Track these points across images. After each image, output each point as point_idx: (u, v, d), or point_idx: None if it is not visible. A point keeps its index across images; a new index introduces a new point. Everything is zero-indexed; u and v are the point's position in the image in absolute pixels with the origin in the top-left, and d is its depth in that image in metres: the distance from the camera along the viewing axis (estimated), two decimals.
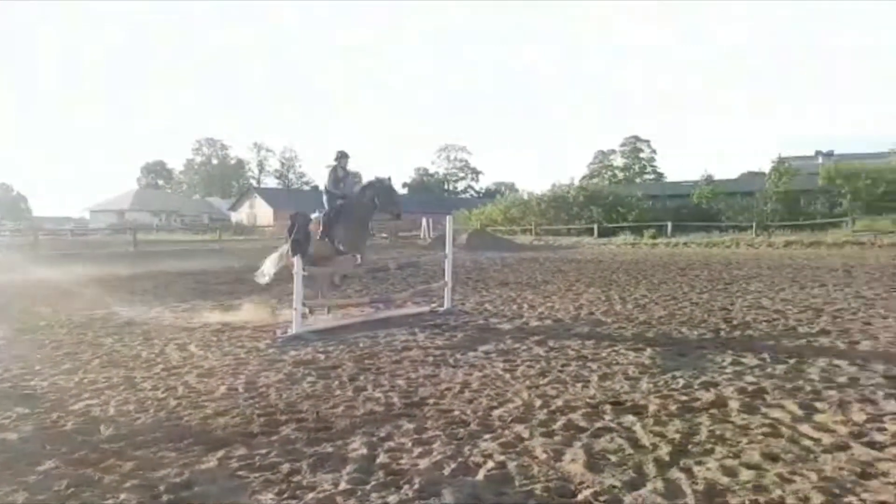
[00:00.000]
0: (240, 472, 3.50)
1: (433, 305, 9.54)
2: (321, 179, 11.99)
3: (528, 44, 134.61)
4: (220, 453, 3.76)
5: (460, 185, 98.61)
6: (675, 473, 3.38)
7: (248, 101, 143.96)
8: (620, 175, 77.16)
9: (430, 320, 8.51)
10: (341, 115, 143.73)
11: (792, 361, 5.88)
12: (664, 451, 3.69)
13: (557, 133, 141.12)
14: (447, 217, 9.88)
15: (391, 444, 3.91)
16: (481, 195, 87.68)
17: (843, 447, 3.73)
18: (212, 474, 3.47)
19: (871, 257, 19.40)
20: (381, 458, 3.67)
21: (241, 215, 68.33)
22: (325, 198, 9.04)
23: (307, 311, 8.26)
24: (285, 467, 3.54)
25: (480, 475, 3.40)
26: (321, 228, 8.76)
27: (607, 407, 4.57)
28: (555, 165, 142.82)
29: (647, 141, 79.62)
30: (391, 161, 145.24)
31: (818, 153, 55.07)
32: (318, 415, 4.47)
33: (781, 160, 39.37)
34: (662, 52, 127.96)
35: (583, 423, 4.21)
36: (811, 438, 3.88)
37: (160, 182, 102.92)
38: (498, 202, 46.39)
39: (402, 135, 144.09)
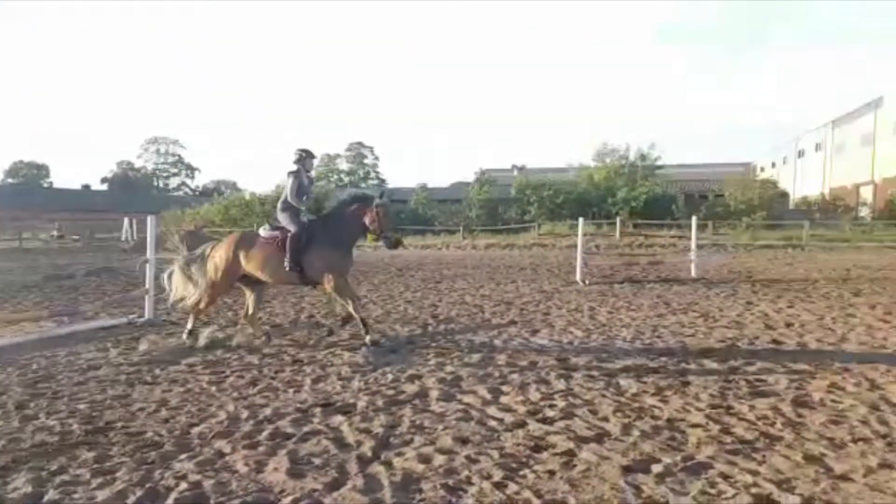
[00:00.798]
0: None
1: (132, 316, 8.57)
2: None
3: (252, 40, 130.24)
4: None
5: (173, 183, 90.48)
6: (375, 468, 3.48)
7: None
8: (346, 179, 78.90)
9: (128, 333, 7.62)
10: (25, 95, 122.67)
11: (485, 350, 6.53)
12: (367, 446, 3.79)
13: (283, 132, 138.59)
14: (149, 217, 8.97)
15: (65, 477, 3.37)
16: (198, 194, 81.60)
17: (522, 424, 4.21)
18: None
19: (552, 257, 22.64)
20: (50, 495, 3.15)
21: None
22: (284, 215, 6.92)
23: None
24: None
25: (170, 499, 3.10)
26: (288, 254, 6.69)
27: (317, 410, 4.55)
28: (281, 165, 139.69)
29: (371, 147, 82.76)
30: (86, 153, 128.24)
31: (514, 166, 62.64)
32: None
33: (483, 172, 44.19)
34: (386, 59, 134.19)
35: (290, 430, 4.13)
36: (496, 419, 4.32)
37: None
38: (217, 202, 43.87)
39: (99, 122, 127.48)
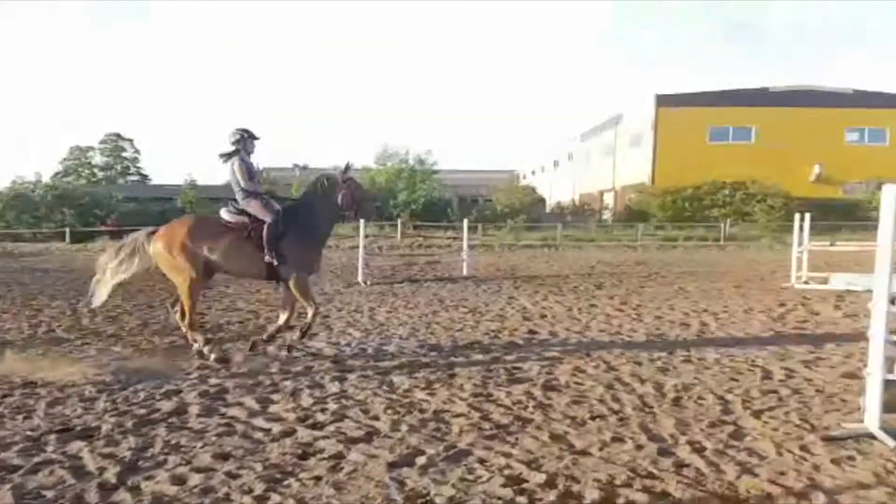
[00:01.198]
0: None
1: None
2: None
3: None
4: None
5: None
6: (120, 495, 3.14)
7: None
8: (100, 174, 70.44)
9: None
10: None
11: (257, 358, 6.23)
12: (112, 472, 3.41)
13: (25, 122, 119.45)
14: None
15: None
16: None
17: (290, 433, 4.10)
18: None
19: (335, 258, 22.32)
20: None
21: None
22: (254, 203, 6.17)
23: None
24: None
25: None
26: (267, 246, 5.99)
27: (52, 437, 3.98)
28: (24, 159, 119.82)
29: (131, 140, 74.68)
30: None
31: (295, 165, 61.19)
32: None
33: (261, 170, 42.52)
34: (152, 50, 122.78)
35: (17, 461, 3.58)
36: (263, 430, 4.14)
37: None
38: None
39: None
